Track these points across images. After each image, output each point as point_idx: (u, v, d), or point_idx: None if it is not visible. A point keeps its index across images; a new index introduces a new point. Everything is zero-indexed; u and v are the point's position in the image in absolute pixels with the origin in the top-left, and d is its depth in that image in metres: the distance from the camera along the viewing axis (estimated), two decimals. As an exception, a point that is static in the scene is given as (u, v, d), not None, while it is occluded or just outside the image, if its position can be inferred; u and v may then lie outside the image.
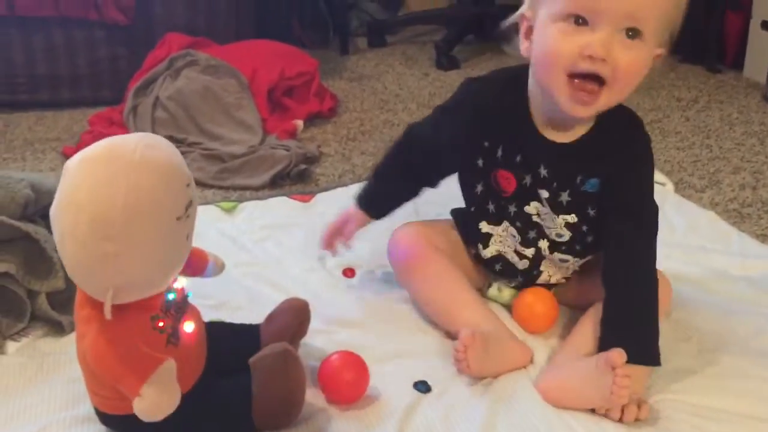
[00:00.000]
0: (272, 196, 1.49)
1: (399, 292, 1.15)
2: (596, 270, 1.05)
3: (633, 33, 0.91)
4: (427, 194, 1.17)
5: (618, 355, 0.89)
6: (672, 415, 0.93)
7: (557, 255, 1.07)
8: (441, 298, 1.07)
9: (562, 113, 0.96)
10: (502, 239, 1.09)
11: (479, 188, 1.07)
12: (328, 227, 1.18)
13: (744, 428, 0.92)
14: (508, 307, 1.12)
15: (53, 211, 0.75)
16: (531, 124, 1.01)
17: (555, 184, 1.02)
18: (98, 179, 0.72)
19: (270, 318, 0.98)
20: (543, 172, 1.01)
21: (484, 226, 1.09)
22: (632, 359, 0.91)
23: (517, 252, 1.09)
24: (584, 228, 1.04)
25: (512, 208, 1.06)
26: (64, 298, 1.05)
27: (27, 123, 1.91)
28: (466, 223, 1.12)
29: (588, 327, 1.01)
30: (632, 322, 0.97)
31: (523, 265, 1.09)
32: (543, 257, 1.08)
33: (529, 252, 1.08)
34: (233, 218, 1.40)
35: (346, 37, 2.51)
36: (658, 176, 1.56)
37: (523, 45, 0.98)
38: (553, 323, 1.09)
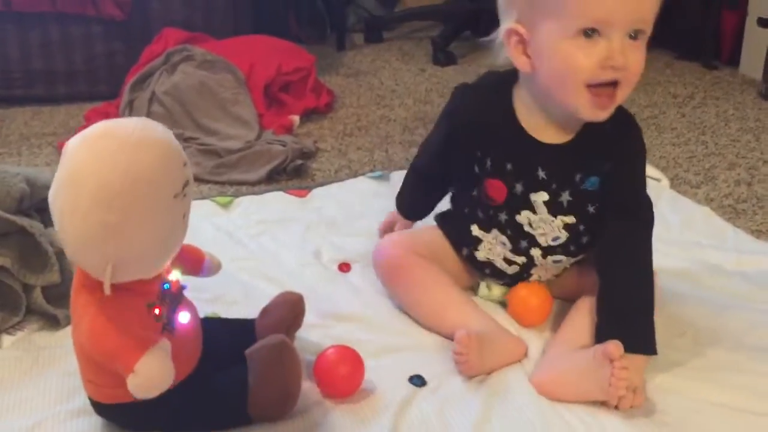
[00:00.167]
0: (268, 191, 1.49)
1: (394, 286, 1.15)
2: (585, 263, 1.05)
3: (637, 33, 0.93)
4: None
5: (615, 347, 0.89)
6: (666, 409, 0.93)
7: (551, 258, 1.07)
8: (427, 301, 1.07)
9: (569, 117, 0.98)
10: (491, 246, 1.09)
11: (474, 192, 1.08)
12: (382, 224, 1.25)
13: (738, 422, 0.92)
14: (503, 303, 1.12)
15: (53, 192, 0.76)
16: (520, 130, 1.02)
17: (554, 185, 1.02)
18: (99, 155, 0.74)
19: (265, 311, 0.98)
20: (541, 174, 1.02)
21: (475, 230, 1.09)
22: (630, 349, 0.92)
23: (506, 259, 1.09)
24: (581, 228, 1.04)
25: (503, 217, 1.06)
26: (59, 292, 1.05)
27: (23, 118, 1.91)
28: (456, 225, 1.12)
29: (579, 319, 1.01)
30: (631, 312, 0.98)
31: (512, 270, 1.10)
32: (535, 264, 1.08)
33: (520, 260, 1.08)
34: (229, 213, 1.40)
35: (343, 33, 2.51)
36: (653, 172, 1.56)
37: (518, 60, 0.97)
38: (548, 316, 1.09)
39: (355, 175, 1.58)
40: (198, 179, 1.55)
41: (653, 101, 2.05)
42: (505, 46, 0.98)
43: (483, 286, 1.14)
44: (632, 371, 0.91)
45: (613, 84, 0.93)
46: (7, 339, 1.04)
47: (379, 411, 0.92)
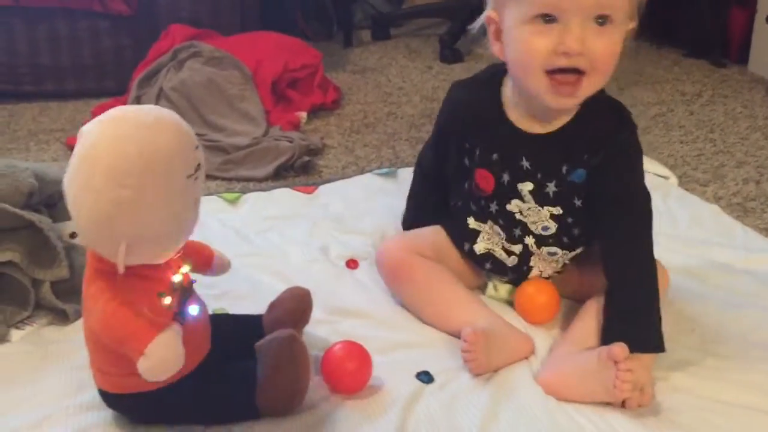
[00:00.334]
0: (275, 188, 1.49)
1: (402, 283, 1.15)
2: (592, 262, 1.05)
3: (603, 19, 0.92)
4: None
5: (620, 349, 0.89)
6: (674, 406, 0.93)
7: (545, 249, 1.07)
8: (433, 300, 1.07)
9: (544, 106, 0.98)
10: (489, 236, 1.09)
11: (466, 185, 1.09)
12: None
13: (747, 420, 0.92)
14: (510, 303, 1.12)
15: (68, 175, 0.77)
16: (505, 120, 1.03)
17: (539, 174, 1.02)
18: (114, 135, 0.76)
19: (272, 306, 0.99)
20: (525, 164, 1.02)
21: (472, 222, 1.10)
22: (637, 347, 0.92)
23: (505, 249, 1.09)
24: (569, 220, 1.05)
25: (494, 207, 1.07)
26: (68, 287, 1.05)
27: (31, 114, 1.92)
28: (454, 220, 1.13)
29: (587, 319, 1.01)
30: (635, 310, 0.98)
31: (512, 262, 1.10)
32: (531, 253, 1.08)
33: (517, 248, 1.08)
34: (237, 209, 1.40)
35: (350, 29, 2.51)
36: (661, 170, 1.56)
37: (494, 47, 1.00)
38: (555, 314, 1.09)
39: (362, 171, 1.58)
40: (205, 175, 1.55)
41: (661, 99, 2.04)
42: (488, 34, 1.00)
43: (490, 286, 1.14)
44: (639, 370, 0.91)
45: (578, 71, 0.93)
46: (16, 333, 1.04)
47: (386, 407, 0.92)
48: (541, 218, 1.05)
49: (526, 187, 1.03)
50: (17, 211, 1.05)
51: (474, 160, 1.06)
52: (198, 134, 1.65)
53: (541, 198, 1.03)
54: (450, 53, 2.35)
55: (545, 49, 0.92)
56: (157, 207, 0.76)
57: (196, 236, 0.85)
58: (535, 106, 1.00)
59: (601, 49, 0.92)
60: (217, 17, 2.05)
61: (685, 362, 1.01)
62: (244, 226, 1.33)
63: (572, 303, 1.09)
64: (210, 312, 0.92)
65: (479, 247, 1.10)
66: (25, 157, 1.67)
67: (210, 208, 1.35)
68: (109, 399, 0.87)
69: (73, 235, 1.09)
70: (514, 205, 1.05)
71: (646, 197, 1.02)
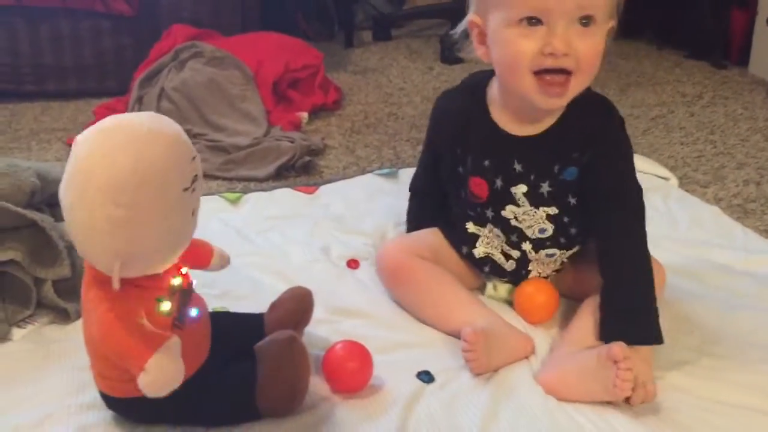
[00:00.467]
0: (277, 188, 1.49)
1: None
2: (589, 259, 1.05)
3: (587, 20, 0.93)
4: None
5: (619, 349, 0.90)
6: (674, 406, 0.93)
7: (543, 252, 1.08)
8: (432, 302, 1.07)
9: (532, 107, 0.98)
10: (489, 240, 1.10)
11: (462, 193, 1.09)
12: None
13: (746, 420, 0.92)
14: (509, 302, 1.12)
15: (63, 184, 0.76)
16: (493, 125, 1.03)
17: (532, 176, 1.03)
18: (108, 147, 0.74)
19: (273, 306, 0.99)
20: (517, 167, 1.03)
21: (471, 227, 1.10)
22: (635, 340, 0.93)
23: (504, 253, 1.09)
24: (566, 219, 1.05)
25: (489, 213, 1.07)
26: (69, 286, 1.06)
27: (33, 113, 1.92)
28: (453, 225, 1.13)
29: (586, 318, 1.01)
30: (632, 304, 0.98)
31: (510, 266, 1.10)
32: (529, 260, 1.09)
33: (515, 254, 1.09)
34: (238, 209, 1.40)
35: (351, 30, 2.51)
36: (662, 171, 1.56)
37: (479, 51, 1.01)
38: (554, 313, 1.09)
39: (363, 172, 1.58)
40: (206, 175, 1.55)
41: (662, 100, 2.04)
42: (471, 38, 1.01)
43: (489, 286, 1.14)
44: (639, 364, 0.91)
45: (567, 72, 0.94)
46: (18, 332, 1.04)
47: (387, 406, 0.92)
48: (536, 221, 1.05)
49: (519, 189, 1.04)
50: (19, 210, 1.05)
51: (467, 168, 1.07)
52: (199, 134, 1.69)
53: (535, 199, 1.04)
54: (451, 54, 2.35)
55: (531, 51, 0.93)
56: (153, 223, 0.75)
57: (196, 236, 0.85)
58: (523, 107, 1.01)
59: (586, 49, 0.93)
60: (218, 17, 2.06)
61: (684, 362, 1.01)
62: (245, 226, 1.34)
63: (571, 302, 1.10)
64: (210, 311, 0.92)
65: (478, 251, 1.11)
66: (26, 157, 1.67)
67: (211, 208, 1.36)
68: (110, 402, 0.87)
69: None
70: (509, 211, 1.05)
71: (637, 191, 1.02)
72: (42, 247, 1.05)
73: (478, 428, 0.89)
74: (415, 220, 1.22)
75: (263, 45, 1.94)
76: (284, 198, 1.45)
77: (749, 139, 1.80)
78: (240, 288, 1.14)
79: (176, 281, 0.82)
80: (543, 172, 1.02)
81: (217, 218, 1.35)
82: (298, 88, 1.92)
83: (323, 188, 1.48)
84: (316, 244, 1.27)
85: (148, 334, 0.77)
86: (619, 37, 2.66)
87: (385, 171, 1.55)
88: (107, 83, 2.00)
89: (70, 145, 1.81)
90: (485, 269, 1.12)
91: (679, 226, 1.36)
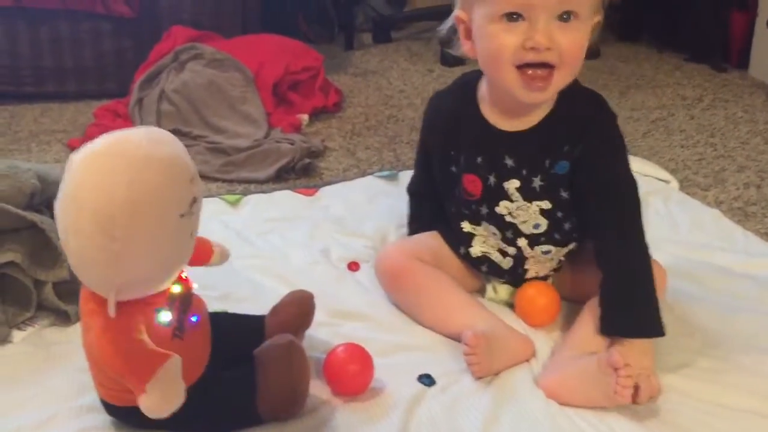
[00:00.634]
0: (277, 190, 1.49)
1: (403, 285, 1.15)
2: (589, 260, 1.05)
3: (568, 15, 0.94)
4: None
5: (619, 356, 0.90)
6: (675, 409, 0.93)
7: (538, 249, 1.08)
8: (433, 305, 1.07)
9: (519, 102, 0.99)
10: (485, 238, 1.10)
11: (456, 192, 1.10)
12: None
13: (747, 424, 0.92)
14: (510, 304, 1.12)
15: (58, 206, 0.74)
16: (484, 122, 1.04)
17: (524, 171, 1.03)
18: (100, 175, 0.71)
19: (275, 310, 0.99)
20: (509, 162, 1.03)
21: (466, 226, 1.11)
22: (635, 334, 0.93)
23: (501, 251, 1.10)
24: (559, 214, 1.05)
25: (484, 210, 1.07)
26: (70, 288, 1.05)
27: (33, 115, 1.92)
28: (449, 225, 1.13)
29: (588, 322, 1.01)
30: (631, 297, 0.98)
31: (507, 264, 1.10)
32: (525, 257, 1.09)
33: (511, 250, 1.09)
34: (238, 211, 1.40)
35: (352, 32, 2.51)
36: (662, 174, 1.56)
37: (465, 46, 1.02)
38: (556, 316, 1.09)
39: (363, 174, 1.58)
40: (206, 177, 1.55)
41: (662, 103, 2.04)
42: (458, 33, 1.02)
43: (489, 288, 1.14)
44: (639, 358, 0.92)
45: (550, 67, 0.95)
46: (18, 334, 1.04)
47: (388, 409, 0.92)
48: (530, 215, 1.05)
49: (512, 185, 1.04)
50: (19, 211, 1.05)
51: (460, 166, 1.07)
52: (199, 136, 1.69)
53: (528, 193, 1.04)
54: (451, 56, 2.35)
55: (513, 45, 0.94)
56: (147, 252, 0.72)
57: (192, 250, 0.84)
58: (511, 102, 1.02)
59: (568, 44, 0.94)
60: (218, 19, 2.06)
61: (685, 365, 1.01)
62: (245, 228, 1.34)
63: (572, 304, 1.10)
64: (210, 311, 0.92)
65: (475, 250, 1.11)
66: (26, 158, 1.67)
67: (211, 210, 1.36)
68: (111, 409, 0.87)
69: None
70: (502, 207, 1.06)
71: (632, 186, 1.02)
72: (42, 249, 1.05)
73: (480, 432, 0.89)
74: (415, 222, 1.22)
75: (263, 47, 1.94)
76: (284, 200, 1.44)
77: (749, 142, 1.80)
78: (240, 290, 1.14)
79: (176, 288, 0.81)
80: (534, 167, 1.03)
81: (217, 220, 1.34)
82: (298, 90, 1.92)
83: (323, 190, 1.48)
84: (316, 247, 1.27)
85: (148, 353, 0.75)
86: (619, 40, 2.66)
87: (386, 173, 1.55)
88: (107, 85, 2.00)
89: (70, 147, 1.81)
90: (483, 268, 1.12)
91: (680, 229, 1.36)
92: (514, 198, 1.05)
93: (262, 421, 0.88)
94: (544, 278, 1.12)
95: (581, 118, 1.02)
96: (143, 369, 0.74)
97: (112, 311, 0.73)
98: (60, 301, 1.05)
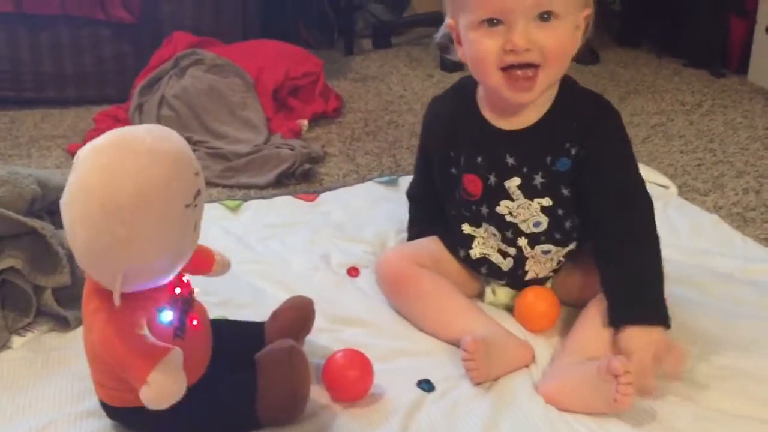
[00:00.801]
0: (277, 195, 1.49)
1: (403, 291, 1.15)
2: (588, 264, 1.06)
3: (547, 15, 0.96)
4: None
5: (619, 363, 0.90)
6: (674, 415, 0.93)
7: (538, 248, 1.08)
8: (433, 310, 1.07)
9: (510, 102, 1.01)
10: (484, 240, 1.11)
11: (456, 194, 1.10)
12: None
13: (746, 429, 0.92)
14: (509, 308, 1.12)
15: (64, 200, 0.76)
16: (483, 121, 1.06)
17: (525, 168, 1.04)
18: (109, 165, 0.73)
19: (274, 315, 0.99)
20: (510, 160, 1.04)
21: (467, 228, 1.11)
22: (643, 321, 0.95)
23: (501, 251, 1.10)
24: (560, 212, 1.06)
25: (485, 210, 1.08)
26: (69, 294, 1.05)
27: (33, 120, 1.92)
28: (449, 229, 1.14)
29: (587, 327, 1.02)
30: (641, 288, 0.99)
31: (507, 265, 1.10)
32: (526, 258, 1.09)
33: (512, 251, 1.09)
34: (238, 217, 1.40)
35: (351, 38, 2.52)
36: (661, 179, 1.57)
37: (458, 51, 1.04)
38: (555, 321, 1.09)
39: (363, 179, 1.58)
40: (206, 183, 1.54)
41: (661, 109, 2.05)
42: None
43: (488, 291, 1.14)
44: (653, 344, 0.93)
45: (535, 66, 0.97)
46: (18, 340, 1.04)
47: (387, 415, 0.92)
48: (531, 213, 1.06)
49: (513, 183, 1.05)
50: (20, 217, 1.05)
51: (460, 167, 1.08)
52: (199, 141, 1.69)
53: (529, 191, 1.05)
54: (451, 62, 2.36)
55: (495, 49, 0.97)
56: (154, 240, 0.74)
57: (196, 246, 0.85)
58: (504, 102, 1.03)
59: (550, 42, 0.96)
60: (218, 25, 2.06)
61: (685, 371, 1.00)
62: (246, 233, 1.34)
63: (572, 309, 1.10)
64: (211, 318, 0.92)
65: (474, 252, 1.11)
66: (26, 164, 1.67)
67: (211, 216, 1.36)
68: (110, 411, 0.87)
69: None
70: (503, 207, 1.06)
71: (641, 183, 1.04)
72: (42, 255, 1.05)
73: (479, 437, 0.89)
74: (415, 226, 1.23)
75: (264, 53, 1.94)
76: (284, 205, 1.45)
77: (749, 148, 1.80)
78: (240, 296, 1.14)
79: (177, 290, 0.82)
80: (535, 164, 1.04)
81: (217, 226, 1.35)
82: (298, 96, 1.92)
83: (323, 196, 1.48)
84: (316, 252, 1.27)
85: (150, 346, 0.77)
86: (619, 45, 2.66)
87: (385, 179, 1.55)
88: (107, 91, 2.01)
89: (70, 152, 1.81)
90: (483, 270, 1.12)
91: (679, 235, 1.36)
92: (515, 196, 1.05)
93: (261, 425, 0.88)
94: (544, 280, 1.13)
95: (585, 117, 1.03)
96: (145, 360, 0.75)
97: (117, 300, 0.75)
98: (60, 306, 1.06)
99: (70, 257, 1.06)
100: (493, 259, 1.11)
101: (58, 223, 1.10)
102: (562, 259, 1.11)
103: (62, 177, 0.78)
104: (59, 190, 0.77)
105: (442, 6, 1.06)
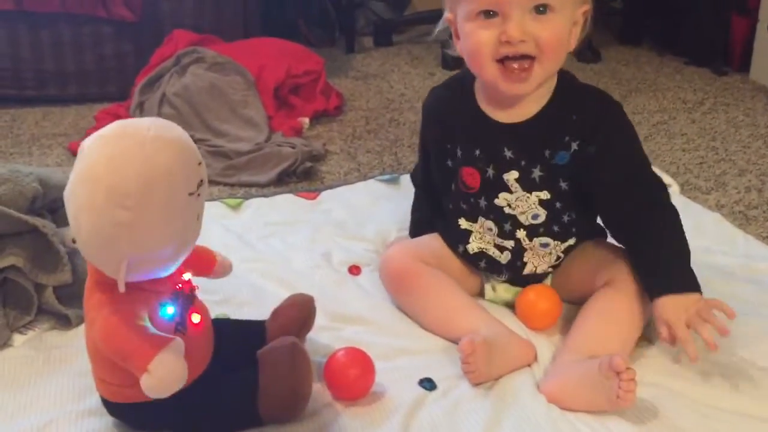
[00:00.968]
0: (278, 194, 1.49)
1: (404, 289, 1.15)
2: (586, 261, 1.07)
3: (543, 8, 0.96)
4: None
5: (620, 360, 0.90)
6: (676, 413, 0.93)
7: (537, 241, 1.08)
8: (436, 308, 1.07)
9: (506, 95, 1.01)
10: (481, 235, 1.11)
11: (453, 187, 1.11)
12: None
13: (747, 428, 0.92)
14: (509, 305, 1.12)
15: (68, 189, 0.76)
16: (481, 114, 1.06)
17: (523, 162, 1.04)
18: (115, 152, 0.74)
19: (275, 313, 0.99)
20: (508, 153, 1.04)
21: (463, 223, 1.12)
22: (681, 288, 0.99)
23: (497, 246, 1.10)
24: (558, 205, 1.06)
25: (483, 203, 1.08)
26: (71, 292, 1.05)
27: (34, 118, 1.92)
28: (446, 223, 1.14)
29: (587, 324, 1.02)
30: (674, 259, 1.02)
31: (505, 258, 1.10)
32: (524, 249, 1.09)
33: (509, 244, 1.09)
34: (239, 215, 1.40)
35: (353, 36, 2.52)
36: (663, 177, 1.56)
37: (457, 45, 1.04)
38: (557, 320, 1.09)
39: (365, 178, 1.58)
40: (207, 181, 1.55)
41: (663, 107, 2.04)
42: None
43: (488, 288, 1.14)
44: (680, 311, 0.97)
45: (531, 58, 0.97)
46: (19, 338, 1.04)
47: (389, 413, 0.92)
48: (529, 206, 1.06)
49: (511, 176, 1.05)
50: (21, 215, 1.05)
51: (457, 160, 1.08)
52: (200, 139, 1.69)
53: (527, 184, 1.05)
54: (452, 60, 2.35)
55: (490, 41, 0.97)
56: (158, 227, 0.75)
57: (197, 241, 0.85)
58: (502, 96, 1.03)
59: (544, 34, 0.96)
60: (219, 23, 2.06)
61: (687, 369, 1.00)
62: (247, 231, 1.34)
63: (573, 307, 1.09)
64: (212, 317, 0.92)
65: (472, 246, 1.11)
66: (27, 162, 1.67)
67: (212, 214, 1.36)
68: (112, 408, 0.87)
69: (75, 241, 1.09)
70: (501, 199, 1.07)
71: (659, 184, 1.06)
72: (43, 253, 1.05)
73: (481, 436, 0.89)
74: (417, 212, 1.24)
75: (265, 51, 1.94)
76: (285, 204, 1.45)
77: (751, 146, 1.80)
78: (241, 294, 1.14)
79: (179, 286, 0.82)
80: (533, 157, 1.04)
81: (218, 224, 1.34)
82: (299, 94, 1.92)
83: (324, 194, 1.48)
84: (317, 250, 1.27)
85: (152, 336, 0.77)
86: (620, 43, 2.65)
87: (387, 177, 1.55)
88: (108, 88, 2.00)
89: (71, 151, 1.81)
90: (481, 264, 1.12)
91: (681, 233, 1.36)
92: (513, 189, 1.06)
93: (263, 422, 0.88)
94: (543, 276, 1.13)
95: (588, 112, 1.03)
96: (146, 348, 0.76)
97: (122, 287, 0.75)
98: (61, 305, 1.06)
99: (71, 255, 1.06)
100: (490, 253, 1.11)
101: (59, 222, 1.10)
102: (561, 254, 1.11)
103: (63, 175, 0.79)
104: (60, 188, 0.78)
105: (442, 1, 1.06)
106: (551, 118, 1.03)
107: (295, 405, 0.89)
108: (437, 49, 2.44)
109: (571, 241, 1.10)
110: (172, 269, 0.81)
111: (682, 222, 1.38)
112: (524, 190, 1.05)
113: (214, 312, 1.01)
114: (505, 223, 1.08)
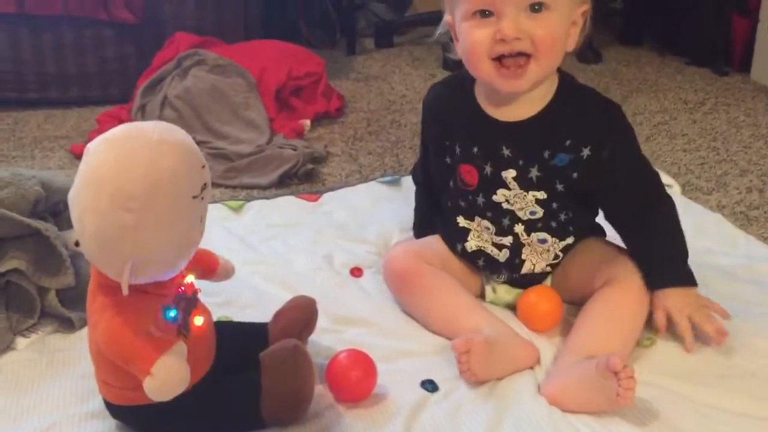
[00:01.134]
0: (279, 196, 1.49)
1: (406, 291, 1.15)
2: (585, 261, 1.07)
3: (539, 7, 0.97)
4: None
5: (618, 360, 0.90)
6: (677, 414, 0.93)
7: (535, 236, 1.09)
8: (439, 308, 1.08)
9: (503, 93, 1.02)
10: (478, 234, 1.11)
11: (452, 184, 1.11)
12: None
13: (749, 428, 0.92)
14: (511, 306, 1.12)
15: (73, 192, 0.77)
16: (481, 112, 1.06)
17: (521, 161, 1.05)
18: (120, 155, 0.75)
19: (277, 316, 0.99)
20: (506, 152, 1.05)
21: (461, 221, 1.12)
22: (682, 282, 1.05)
23: (495, 244, 1.10)
24: (554, 205, 1.07)
25: (480, 200, 1.09)
26: (73, 295, 1.06)
27: (36, 121, 1.92)
28: (445, 222, 1.15)
29: (588, 325, 1.02)
30: (674, 253, 1.08)
31: (503, 256, 1.11)
32: (522, 244, 1.09)
33: (507, 240, 1.10)
34: (240, 217, 1.40)
35: (354, 37, 2.52)
36: (664, 178, 1.56)
37: (456, 46, 1.05)
38: (558, 321, 1.09)
39: (366, 179, 1.58)
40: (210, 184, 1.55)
41: (664, 107, 2.05)
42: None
43: (489, 289, 1.14)
44: (683, 300, 1.03)
45: (526, 56, 0.98)
46: (22, 341, 1.04)
47: (391, 415, 0.92)
48: (527, 203, 1.07)
49: (509, 174, 1.05)
50: (24, 218, 1.05)
51: (455, 157, 1.09)
52: (202, 142, 1.70)
53: (524, 183, 1.06)
54: (453, 61, 2.36)
55: (485, 39, 0.98)
56: (162, 229, 0.75)
57: (200, 244, 0.85)
58: (496, 93, 1.04)
59: (539, 32, 0.97)
60: (221, 25, 2.06)
61: (687, 369, 1.01)
62: (248, 233, 1.34)
63: (573, 307, 1.10)
64: (214, 319, 0.92)
65: (470, 244, 1.12)
66: (29, 165, 1.68)
67: (214, 216, 1.34)
68: (114, 410, 0.87)
69: (78, 244, 1.09)
70: (500, 195, 1.07)
71: (658, 183, 1.09)
72: (46, 256, 1.06)
73: (483, 437, 0.89)
74: (418, 211, 1.25)
75: (266, 53, 1.94)
76: (287, 206, 1.45)
77: (752, 146, 1.80)
78: (243, 296, 1.15)
79: (181, 289, 0.82)
80: (532, 157, 1.04)
81: (220, 226, 1.35)
82: (300, 96, 1.92)
83: (326, 196, 1.49)
84: (319, 252, 1.27)
85: (155, 339, 0.78)
86: (621, 44, 2.65)
87: (388, 178, 1.55)
88: (110, 91, 2.01)
89: (74, 153, 1.81)
90: (480, 263, 1.13)
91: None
92: (511, 186, 1.06)
93: (265, 425, 0.89)
94: (542, 276, 1.13)
95: (593, 116, 1.04)
96: (149, 351, 0.76)
97: (125, 290, 0.75)
98: (64, 308, 1.06)
99: (74, 258, 1.06)
100: (488, 251, 1.11)
101: (61, 225, 1.10)
102: (559, 253, 1.11)
103: (66, 178, 0.79)
104: (63, 191, 0.78)
105: (442, 4, 1.06)
106: (552, 119, 1.04)
107: (298, 407, 0.89)
108: (438, 51, 2.45)
109: (570, 240, 1.10)
110: (176, 272, 0.81)
111: (684, 223, 1.39)
112: (521, 188, 1.06)
113: (217, 314, 1.01)
114: (504, 219, 1.08)
